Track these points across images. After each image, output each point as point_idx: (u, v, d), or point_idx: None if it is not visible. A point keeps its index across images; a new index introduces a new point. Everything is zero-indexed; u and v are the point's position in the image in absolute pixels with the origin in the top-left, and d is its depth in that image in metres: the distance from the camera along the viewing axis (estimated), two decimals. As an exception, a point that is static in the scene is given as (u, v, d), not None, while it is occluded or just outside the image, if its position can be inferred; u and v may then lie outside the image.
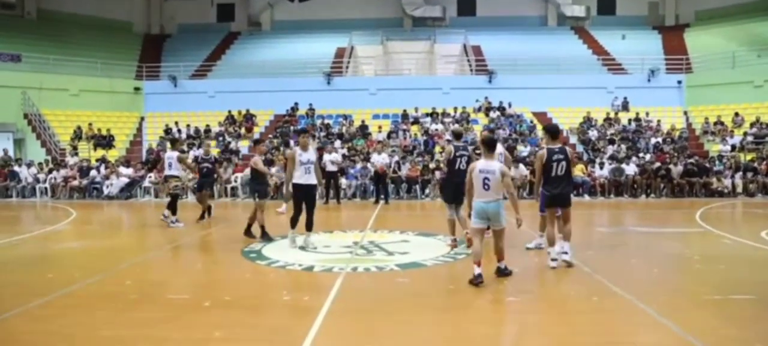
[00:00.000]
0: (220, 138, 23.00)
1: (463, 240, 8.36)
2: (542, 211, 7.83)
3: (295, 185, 8.62)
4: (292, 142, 20.95)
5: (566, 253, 7.15)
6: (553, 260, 7.13)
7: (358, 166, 18.68)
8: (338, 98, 25.12)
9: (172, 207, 11.49)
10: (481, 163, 6.43)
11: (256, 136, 23.88)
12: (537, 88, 24.52)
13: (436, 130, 22.61)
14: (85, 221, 13.57)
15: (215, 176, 13.70)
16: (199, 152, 16.27)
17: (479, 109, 24.65)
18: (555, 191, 7.14)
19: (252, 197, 10.10)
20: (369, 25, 30.67)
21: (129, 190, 18.94)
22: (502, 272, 6.49)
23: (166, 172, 12.20)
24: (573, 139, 22.77)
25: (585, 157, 20.28)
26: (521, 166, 17.42)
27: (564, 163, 7.14)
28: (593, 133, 22.41)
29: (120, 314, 5.36)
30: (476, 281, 6.12)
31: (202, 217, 12.36)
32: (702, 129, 22.87)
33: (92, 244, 9.96)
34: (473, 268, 6.21)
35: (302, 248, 8.58)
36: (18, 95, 23.17)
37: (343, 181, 17.93)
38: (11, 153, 21.95)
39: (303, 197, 8.65)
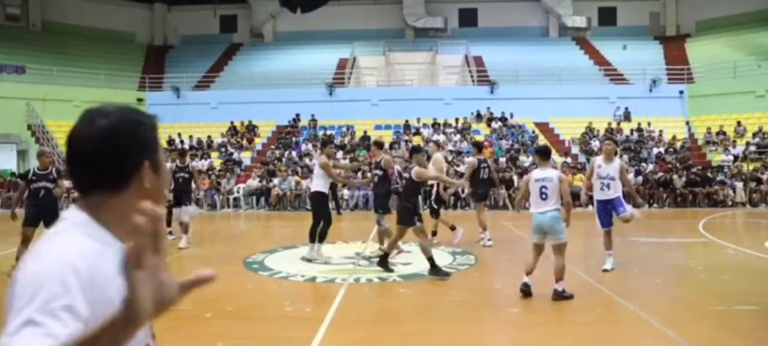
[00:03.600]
0: (223, 149, 23.08)
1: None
2: (605, 226, 7.89)
3: (324, 194, 8.64)
4: (299, 150, 20.99)
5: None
6: (489, 240, 9.61)
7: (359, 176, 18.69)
8: (340, 109, 25.17)
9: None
10: (537, 172, 6.25)
11: (258, 146, 24.01)
12: (539, 99, 24.54)
13: (438, 140, 22.57)
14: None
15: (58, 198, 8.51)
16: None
17: (481, 119, 24.68)
18: (483, 190, 10.13)
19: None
20: (371, 36, 30.77)
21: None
22: (560, 296, 5.96)
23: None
24: (575, 150, 22.78)
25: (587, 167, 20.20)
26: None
27: (488, 169, 10.05)
28: (595, 144, 22.39)
29: (122, 325, 5.33)
30: (523, 289, 6.03)
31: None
32: (704, 139, 22.85)
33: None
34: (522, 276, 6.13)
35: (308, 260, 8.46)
36: (22, 107, 23.28)
37: (344, 192, 17.91)
38: (14, 165, 21.98)
39: (327, 206, 8.90)
